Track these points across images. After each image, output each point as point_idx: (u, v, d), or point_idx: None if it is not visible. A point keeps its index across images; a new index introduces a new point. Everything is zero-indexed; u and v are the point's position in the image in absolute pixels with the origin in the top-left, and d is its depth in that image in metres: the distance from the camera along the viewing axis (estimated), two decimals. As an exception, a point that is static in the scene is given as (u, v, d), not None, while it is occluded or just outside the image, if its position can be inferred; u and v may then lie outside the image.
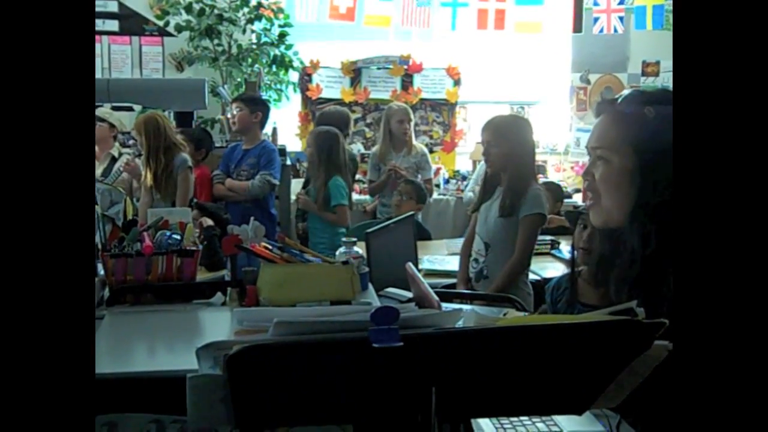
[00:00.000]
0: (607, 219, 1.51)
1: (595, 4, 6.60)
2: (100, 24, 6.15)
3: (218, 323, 1.86)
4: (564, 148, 7.22)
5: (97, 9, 6.10)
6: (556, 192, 4.79)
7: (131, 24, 6.22)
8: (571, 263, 2.62)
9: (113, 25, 6.18)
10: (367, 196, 5.56)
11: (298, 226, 4.72)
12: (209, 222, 3.43)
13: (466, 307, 2.57)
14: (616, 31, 6.56)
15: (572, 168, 7.11)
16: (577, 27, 6.62)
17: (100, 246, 2.11)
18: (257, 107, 4.66)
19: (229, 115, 5.20)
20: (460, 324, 1.25)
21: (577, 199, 6.18)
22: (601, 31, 6.59)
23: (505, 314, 2.43)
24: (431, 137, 6.65)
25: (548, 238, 4.09)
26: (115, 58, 6.28)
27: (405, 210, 4.61)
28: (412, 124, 5.19)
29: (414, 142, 5.22)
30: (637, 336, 1.13)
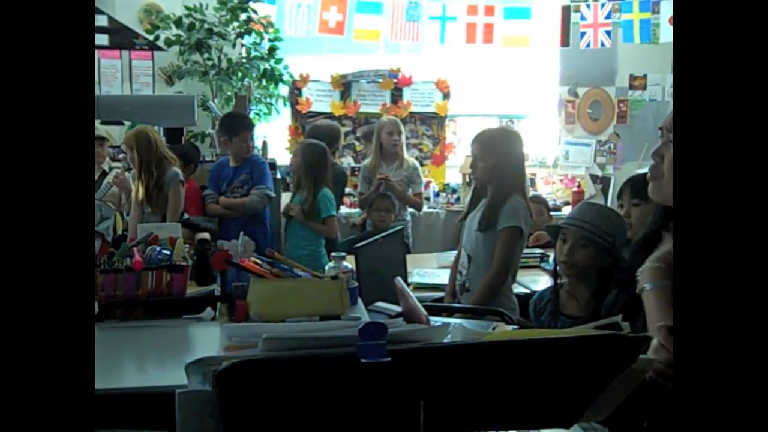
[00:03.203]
0: (665, 198, 1.54)
1: (582, 18, 6.65)
2: (89, 38, 6.14)
3: (208, 338, 1.87)
4: (553, 161, 7.25)
5: (87, 23, 6.09)
6: (541, 206, 4.81)
7: (121, 38, 6.21)
8: (554, 276, 2.65)
9: (103, 39, 6.17)
10: (356, 210, 5.57)
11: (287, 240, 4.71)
12: (203, 235, 3.44)
13: (454, 321, 2.57)
14: (603, 45, 6.61)
15: (561, 181, 7.14)
16: (565, 41, 6.67)
17: (89, 261, 2.11)
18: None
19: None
20: (448, 339, 1.26)
21: (567, 212, 6.20)
22: (588, 45, 6.64)
23: (494, 328, 2.45)
24: (421, 150, 6.68)
25: (537, 251, 4.11)
26: (106, 72, 6.27)
27: (388, 223, 4.63)
28: (403, 137, 5.20)
29: (405, 155, 5.24)
30: (622, 350, 1.14)
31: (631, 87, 7.03)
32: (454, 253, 3.55)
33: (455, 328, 1.31)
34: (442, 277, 3.64)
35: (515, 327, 2.54)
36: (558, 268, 2.61)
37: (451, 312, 3.03)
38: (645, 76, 7.03)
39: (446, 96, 6.78)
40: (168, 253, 2.15)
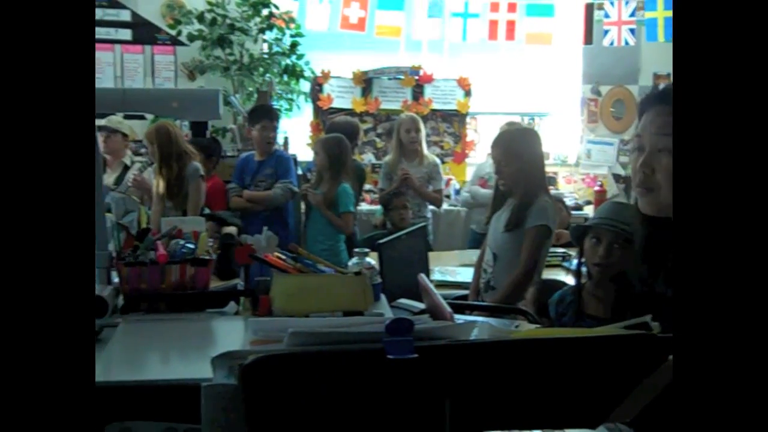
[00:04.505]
0: (662, 208, 1.46)
1: (606, 16, 6.61)
2: (113, 33, 6.18)
3: (231, 332, 1.87)
4: (575, 160, 7.21)
5: (110, 18, 6.13)
6: (559, 204, 4.78)
7: (144, 33, 6.25)
8: (578, 276, 2.61)
9: (126, 34, 6.21)
10: (377, 207, 5.56)
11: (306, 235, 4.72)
12: (229, 230, 3.46)
13: (479, 318, 2.56)
14: (627, 43, 6.56)
15: (583, 180, 7.10)
16: (588, 39, 6.63)
17: (114, 254, 2.12)
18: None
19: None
20: (474, 336, 1.25)
21: (588, 211, 6.16)
22: (612, 43, 6.59)
23: (517, 326, 2.44)
24: (442, 148, 6.66)
25: (560, 250, 4.08)
26: (128, 66, 6.31)
27: (408, 220, 4.62)
28: (423, 134, 5.18)
29: (426, 152, 5.22)
30: (652, 350, 1.13)
31: (655, 86, 6.98)
32: (476, 251, 3.53)
33: (482, 326, 1.31)
34: (464, 274, 3.63)
35: (538, 326, 2.53)
36: (587, 268, 2.56)
37: (474, 310, 3.02)
38: (669, 75, 6.98)
39: (468, 93, 6.75)
40: (192, 246, 2.16)
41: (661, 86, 1.59)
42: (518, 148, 3.17)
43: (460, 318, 2.13)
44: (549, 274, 3.65)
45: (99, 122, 4.91)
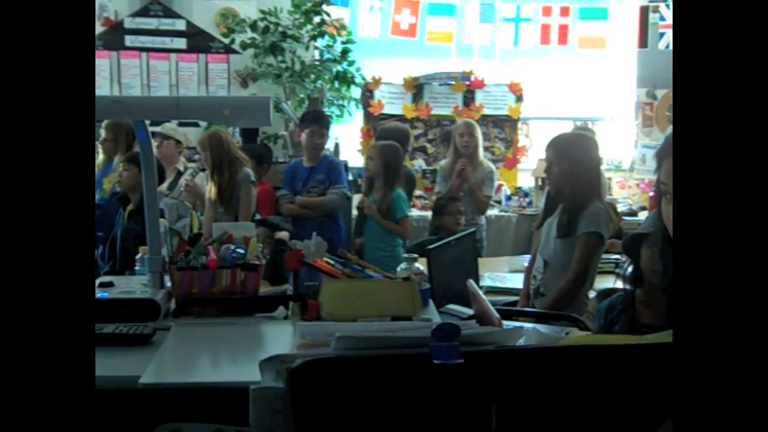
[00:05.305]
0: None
1: (662, 19, 6.50)
2: (168, 42, 6.31)
3: (280, 336, 1.89)
4: (629, 165, 7.09)
5: (166, 27, 6.26)
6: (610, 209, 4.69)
7: (198, 42, 6.37)
8: (632, 283, 2.55)
9: (181, 43, 6.34)
10: (428, 213, 5.54)
11: (356, 241, 4.73)
12: (281, 235, 3.49)
13: (527, 325, 2.53)
14: (683, 46, 6.44)
15: (637, 185, 6.98)
16: (643, 42, 6.53)
17: (167, 259, 2.16)
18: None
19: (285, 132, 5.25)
20: (521, 342, 1.24)
21: (643, 217, 6.06)
22: (668, 46, 6.47)
23: (567, 333, 2.40)
24: (493, 153, 6.62)
25: (612, 256, 4.02)
26: (183, 75, 6.42)
27: (462, 225, 4.60)
28: (476, 139, 5.14)
29: (482, 158, 5.19)
30: (705, 358, 1.10)
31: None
32: (526, 257, 3.50)
33: (529, 332, 1.29)
34: (514, 281, 3.60)
35: (589, 333, 2.49)
36: (638, 276, 2.49)
37: (523, 316, 2.99)
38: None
39: (519, 99, 6.70)
40: (242, 252, 2.18)
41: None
42: (571, 150, 3.14)
43: (508, 324, 2.11)
44: (601, 281, 3.60)
45: (153, 129, 5.02)
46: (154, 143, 4.84)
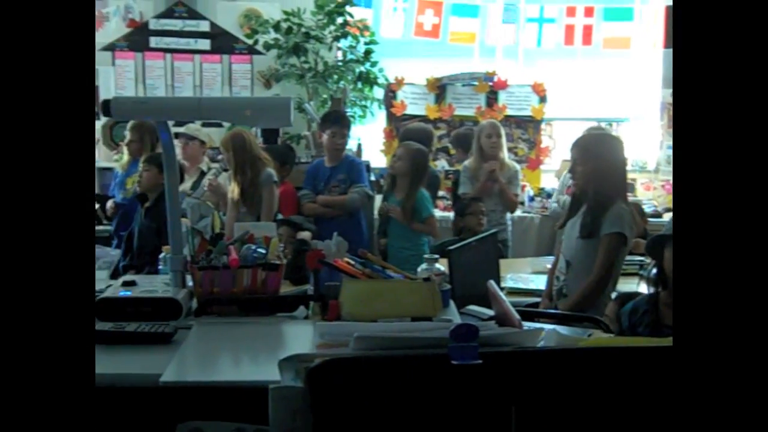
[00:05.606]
0: None
1: (688, 18, 6.43)
2: (192, 43, 6.35)
3: (300, 336, 1.89)
4: (654, 166, 7.03)
5: (190, 28, 6.30)
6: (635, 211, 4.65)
7: (222, 43, 6.40)
8: (656, 285, 2.52)
9: (205, 44, 6.38)
10: (450, 213, 5.53)
11: (380, 242, 4.73)
12: (303, 235, 3.50)
13: (548, 326, 2.52)
14: (709, 46, 6.38)
15: (663, 186, 6.91)
16: (669, 42, 6.46)
17: (189, 258, 2.17)
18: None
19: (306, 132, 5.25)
20: (541, 343, 1.23)
21: (668, 218, 6.00)
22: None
23: (590, 335, 2.38)
24: (516, 154, 6.58)
25: (637, 258, 3.98)
26: (207, 76, 6.46)
27: (484, 225, 4.59)
28: (502, 139, 5.13)
29: (506, 158, 5.18)
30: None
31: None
32: (549, 258, 3.48)
33: (549, 333, 1.28)
34: (537, 282, 3.58)
35: (612, 335, 2.47)
36: (670, 278, 2.45)
37: (545, 318, 2.97)
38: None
39: (542, 99, 6.67)
40: (263, 251, 2.19)
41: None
42: (596, 150, 3.12)
43: (529, 326, 2.10)
44: (625, 283, 3.57)
45: (178, 130, 5.06)
46: (179, 144, 4.89)
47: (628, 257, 3.28)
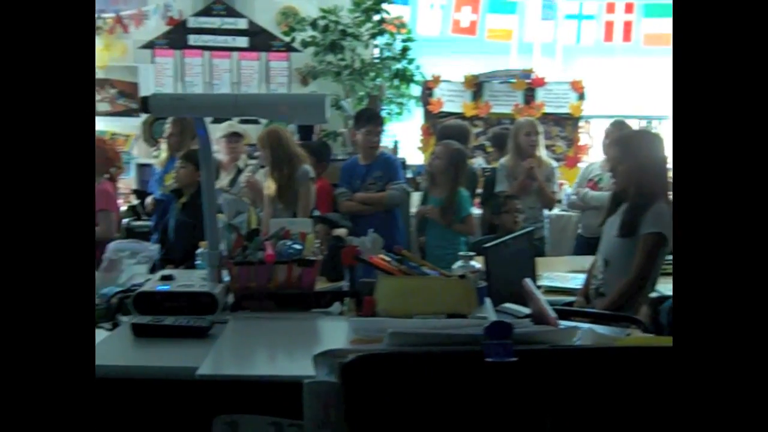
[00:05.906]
0: None
1: (730, 14, 6.32)
2: (230, 40, 6.40)
3: (335, 332, 1.90)
4: (694, 165, 6.92)
5: (228, 26, 6.36)
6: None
7: (260, 40, 6.45)
8: None
9: (243, 41, 6.43)
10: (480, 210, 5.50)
11: (420, 239, 4.72)
12: (339, 232, 3.51)
13: (584, 325, 2.49)
14: (752, 42, 6.26)
15: (703, 185, 6.80)
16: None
17: (225, 254, 2.19)
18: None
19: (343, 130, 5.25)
20: (576, 342, 1.22)
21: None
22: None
23: (627, 335, 2.36)
24: (554, 152, 6.51)
25: (675, 257, 3.92)
26: (244, 73, 6.50)
27: (520, 224, 4.57)
28: (540, 137, 5.10)
29: (544, 156, 5.14)
30: None
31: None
32: (587, 257, 3.44)
33: (585, 332, 1.27)
34: (574, 281, 3.54)
35: (651, 335, 2.44)
36: None
37: (582, 317, 2.93)
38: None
39: (581, 96, 6.60)
40: (299, 247, 2.20)
41: None
42: (636, 148, 3.08)
43: (566, 324, 2.08)
44: (664, 283, 3.51)
45: (221, 126, 5.10)
46: (226, 143, 4.96)
47: (668, 257, 3.23)
